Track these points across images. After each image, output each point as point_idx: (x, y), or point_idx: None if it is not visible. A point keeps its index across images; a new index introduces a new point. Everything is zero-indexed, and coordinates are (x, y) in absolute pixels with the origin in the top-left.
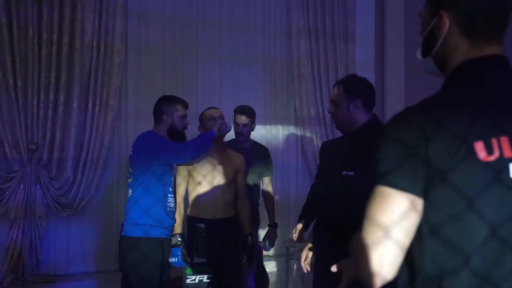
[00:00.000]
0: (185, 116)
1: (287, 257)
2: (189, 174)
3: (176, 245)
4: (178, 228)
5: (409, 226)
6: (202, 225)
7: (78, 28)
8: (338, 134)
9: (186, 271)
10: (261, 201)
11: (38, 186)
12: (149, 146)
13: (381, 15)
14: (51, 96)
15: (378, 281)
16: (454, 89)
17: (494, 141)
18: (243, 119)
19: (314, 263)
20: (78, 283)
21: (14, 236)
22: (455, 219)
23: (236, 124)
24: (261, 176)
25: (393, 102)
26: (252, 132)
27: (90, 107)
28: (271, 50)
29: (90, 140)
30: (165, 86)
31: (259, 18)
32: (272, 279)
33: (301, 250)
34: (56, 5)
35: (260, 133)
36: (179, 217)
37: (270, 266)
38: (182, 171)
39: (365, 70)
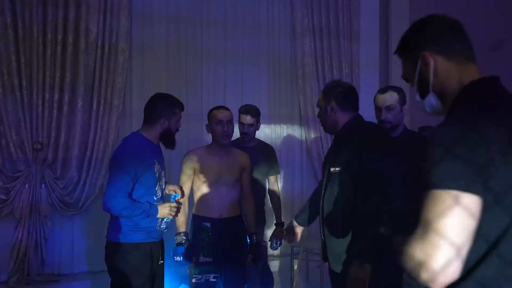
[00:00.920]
0: (180, 119)
1: (292, 257)
2: (194, 173)
3: (180, 244)
4: (182, 227)
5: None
6: (208, 224)
7: (83, 28)
8: None
9: (192, 270)
10: (267, 200)
11: (43, 186)
12: (113, 161)
13: (386, 14)
14: (56, 96)
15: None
16: (477, 108)
17: None
18: (248, 119)
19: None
20: (83, 282)
21: (20, 236)
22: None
23: (241, 124)
24: (267, 175)
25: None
26: (257, 131)
27: (94, 106)
28: (275, 49)
29: (95, 139)
30: (169, 86)
31: (263, 17)
32: (276, 278)
33: (306, 250)
34: (60, 6)
35: (265, 132)
36: (183, 215)
37: (275, 266)
38: (187, 170)
39: (370, 69)
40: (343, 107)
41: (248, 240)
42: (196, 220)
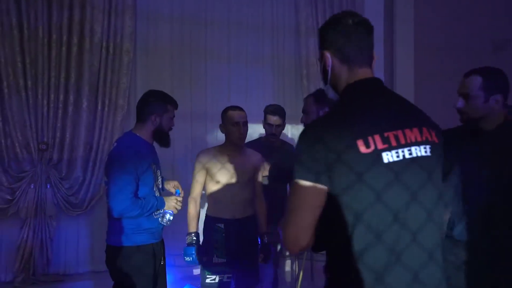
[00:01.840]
0: (173, 117)
1: (296, 257)
2: (207, 173)
3: (191, 244)
4: (193, 227)
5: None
6: (222, 225)
7: (88, 29)
8: None
9: (204, 271)
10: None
11: (48, 186)
12: (111, 163)
13: (390, 14)
14: (61, 97)
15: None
16: (343, 105)
17: (370, 139)
18: (276, 119)
19: None
20: (88, 282)
21: (25, 236)
22: (350, 187)
23: (268, 125)
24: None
25: None
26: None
27: (99, 107)
28: (280, 49)
29: (100, 140)
30: (174, 86)
31: (268, 17)
32: (287, 279)
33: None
34: (65, 6)
35: None
36: (195, 216)
37: (285, 266)
38: (199, 170)
39: (374, 68)
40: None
41: (259, 240)
42: (209, 221)
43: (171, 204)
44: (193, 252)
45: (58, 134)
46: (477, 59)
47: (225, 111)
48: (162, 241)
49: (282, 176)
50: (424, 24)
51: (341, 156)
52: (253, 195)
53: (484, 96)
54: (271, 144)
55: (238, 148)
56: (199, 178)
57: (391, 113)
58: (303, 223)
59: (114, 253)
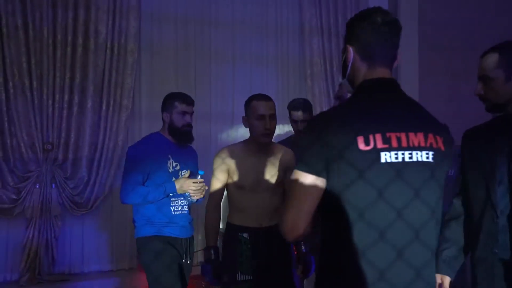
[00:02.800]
0: (185, 113)
1: None
2: (228, 174)
3: (208, 260)
4: (212, 240)
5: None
6: (246, 235)
7: (92, 29)
8: None
9: None
10: None
11: (53, 186)
12: (126, 157)
13: (394, 13)
14: (66, 97)
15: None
16: (353, 101)
17: (370, 136)
18: (299, 114)
19: None
20: (93, 281)
21: (30, 235)
22: (351, 183)
23: (293, 121)
24: None
25: None
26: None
27: (104, 107)
28: (284, 49)
29: (104, 140)
30: (178, 86)
31: (272, 17)
32: None
33: None
34: (70, 7)
35: None
36: (214, 225)
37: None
38: (219, 171)
39: None
40: None
41: (294, 250)
42: (231, 230)
43: (184, 187)
44: (211, 270)
45: (63, 134)
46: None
47: (248, 101)
48: (187, 239)
49: None
50: (428, 22)
51: (342, 153)
52: (283, 198)
53: (504, 76)
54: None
55: (264, 146)
56: (220, 175)
57: (398, 115)
58: (301, 212)
59: (136, 245)
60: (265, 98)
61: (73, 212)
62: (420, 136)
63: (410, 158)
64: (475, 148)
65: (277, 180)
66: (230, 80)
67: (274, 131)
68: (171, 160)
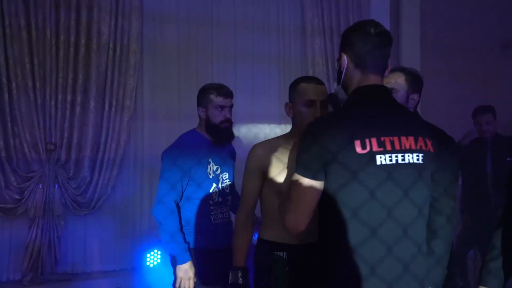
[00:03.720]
0: (223, 107)
1: None
2: (265, 180)
3: (235, 285)
4: (241, 259)
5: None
6: (284, 254)
7: (95, 30)
8: None
9: None
10: None
11: (56, 186)
12: (162, 157)
13: (396, 15)
14: (69, 97)
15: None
16: (349, 107)
17: (367, 141)
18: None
19: None
20: (95, 281)
21: (33, 235)
22: (345, 184)
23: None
24: None
25: None
26: (267, 132)
27: (106, 107)
28: (286, 49)
29: (107, 140)
30: (180, 87)
31: (273, 17)
32: None
33: None
34: (73, 8)
35: (275, 132)
36: (245, 242)
37: None
38: (253, 176)
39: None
40: None
41: None
42: (264, 248)
43: (180, 275)
44: None
45: (65, 134)
46: (484, 58)
47: (295, 84)
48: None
49: None
50: (430, 23)
51: (337, 156)
52: None
53: None
54: None
55: None
56: (255, 178)
57: (390, 120)
58: (301, 213)
59: None
60: (316, 80)
61: (76, 212)
62: (411, 139)
63: (403, 160)
64: None
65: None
66: (232, 80)
67: None
68: (211, 164)
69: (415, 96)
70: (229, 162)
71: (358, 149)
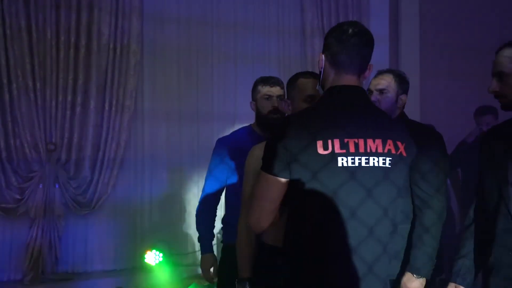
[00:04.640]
0: (270, 96)
1: None
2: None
3: None
4: (246, 269)
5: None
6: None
7: (95, 31)
8: None
9: None
10: None
11: (56, 186)
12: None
13: (396, 15)
14: (69, 97)
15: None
16: (317, 106)
17: (329, 141)
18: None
19: None
20: (96, 280)
21: (34, 235)
22: (307, 184)
23: None
24: None
25: (408, 102)
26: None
27: (106, 107)
28: (286, 50)
29: (107, 140)
30: (181, 87)
31: (273, 18)
32: None
33: None
34: (73, 9)
35: None
36: (249, 250)
37: None
38: (253, 179)
39: (379, 68)
40: None
41: None
42: (264, 254)
43: (203, 268)
44: None
45: (66, 135)
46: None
47: (293, 80)
48: None
49: None
50: (429, 23)
51: (298, 156)
52: None
53: None
54: None
55: None
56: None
57: (358, 121)
58: (264, 210)
59: None
60: (314, 75)
61: (76, 212)
62: (379, 142)
63: (367, 163)
64: (493, 147)
65: None
66: (233, 80)
67: None
68: None
69: (403, 97)
70: None
71: (320, 150)
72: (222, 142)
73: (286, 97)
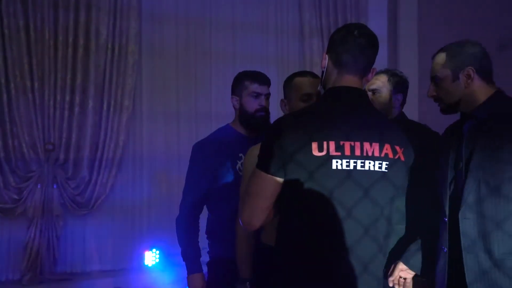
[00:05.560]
0: (258, 94)
1: None
2: None
3: None
4: (246, 269)
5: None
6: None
7: (93, 30)
8: None
9: None
10: None
11: (55, 186)
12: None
13: (394, 15)
14: (67, 97)
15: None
16: (315, 107)
17: (324, 143)
18: None
19: None
20: (94, 281)
21: (32, 235)
22: (303, 184)
23: None
24: None
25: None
26: None
27: (105, 107)
28: (284, 50)
29: (105, 140)
30: (179, 87)
31: (272, 18)
32: None
33: None
34: (71, 8)
35: None
36: (248, 252)
37: None
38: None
39: (378, 68)
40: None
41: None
42: (264, 254)
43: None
44: None
45: (64, 135)
46: None
47: (290, 79)
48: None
49: None
50: (428, 23)
51: (294, 156)
52: None
53: (451, 74)
54: None
55: None
56: None
57: (355, 124)
58: (257, 208)
59: None
60: (311, 74)
61: (75, 212)
62: (376, 146)
63: (362, 166)
64: (441, 145)
65: None
66: (231, 80)
67: None
68: (243, 160)
69: (399, 97)
70: None
71: (315, 152)
72: (201, 147)
73: (283, 97)
